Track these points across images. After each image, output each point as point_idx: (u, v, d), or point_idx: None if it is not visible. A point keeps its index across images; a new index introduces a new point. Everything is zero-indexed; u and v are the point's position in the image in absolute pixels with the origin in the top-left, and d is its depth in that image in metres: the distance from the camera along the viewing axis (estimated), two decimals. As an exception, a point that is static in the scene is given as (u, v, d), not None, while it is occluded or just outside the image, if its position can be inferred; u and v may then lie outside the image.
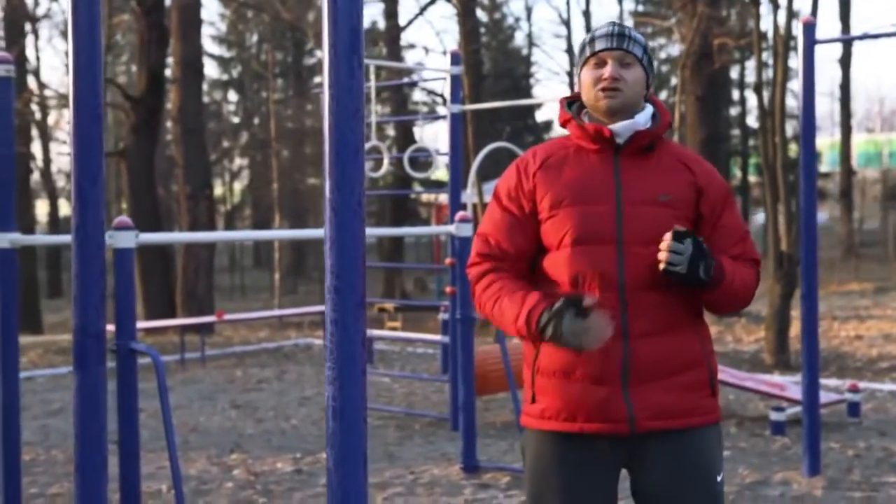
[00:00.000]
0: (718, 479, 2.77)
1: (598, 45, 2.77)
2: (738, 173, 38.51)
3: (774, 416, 7.73)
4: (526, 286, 2.75)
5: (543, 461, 2.79)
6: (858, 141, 40.89)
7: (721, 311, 2.83)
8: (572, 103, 2.89)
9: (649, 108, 2.82)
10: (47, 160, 32.11)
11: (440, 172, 20.23)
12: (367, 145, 8.19)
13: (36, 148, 27.85)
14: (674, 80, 28.07)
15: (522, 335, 2.70)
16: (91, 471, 3.38)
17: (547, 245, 2.77)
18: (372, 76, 8.45)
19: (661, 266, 2.64)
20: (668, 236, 2.64)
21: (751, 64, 30.60)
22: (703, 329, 2.81)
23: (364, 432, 2.03)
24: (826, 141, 41.11)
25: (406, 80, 18.48)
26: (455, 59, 8.08)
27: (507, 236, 2.80)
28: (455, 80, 8.03)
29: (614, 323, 2.61)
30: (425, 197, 30.43)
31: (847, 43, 31.52)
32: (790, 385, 8.66)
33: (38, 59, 34.10)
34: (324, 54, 1.95)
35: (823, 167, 40.54)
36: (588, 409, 2.70)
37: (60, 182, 34.83)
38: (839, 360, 12.00)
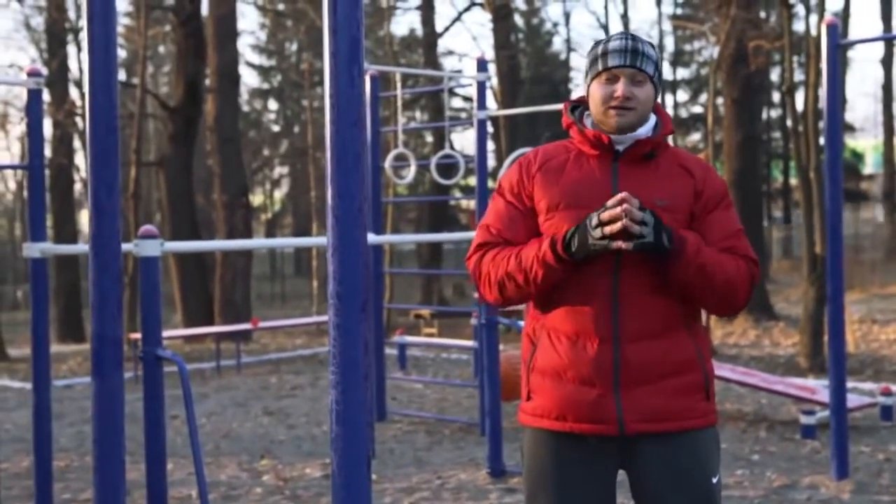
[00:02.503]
0: (714, 480, 2.78)
1: (612, 62, 2.76)
2: (779, 176, 38.21)
3: (804, 419, 7.68)
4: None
5: (538, 458, 2.83)
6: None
7: (703, 296, 2.75)
8: (577, 107, 2.92)
9: (652, 119, 2.84)
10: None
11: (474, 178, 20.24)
12: (395, 152, 8.25)
13: (79, 159, 28.19)
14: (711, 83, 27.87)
15: (548, 264, 2.68)
16: (109, 477, 3.44)
17: None
18: (398, 84, 8.50)
19: (629, 245, 2.60)
20: (634, 204, 2.61)
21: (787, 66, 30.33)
22: (698, 333, 2.82)
23: (367, 436, 2.07)
24: (870, 142, 40.66)
25: (440, 86, 18.49)
26: (482, 66, 8.11)
27: (508, 226, 2.83)
28: (482, 86, 8.05)
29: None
30: (465, 203, 30.47)
31: (889, 43, 31.14)
32: (821, 389, 8.60)
33: (80, 70, 34.48)
34: (324, 64, 1.99)
35: (867, 169, 40.10)
36: (578, 409, 2.73)
37: (102, 192, 35.12)
38: (877, 364, 11.88)
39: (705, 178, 2.81)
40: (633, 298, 2.69)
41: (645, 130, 2.80)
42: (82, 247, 5.20)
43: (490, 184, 8.66)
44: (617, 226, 2.58)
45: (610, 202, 2.62)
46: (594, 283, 2.70)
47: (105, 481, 3.38)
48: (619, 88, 2.74)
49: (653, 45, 2.83)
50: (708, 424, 2.79)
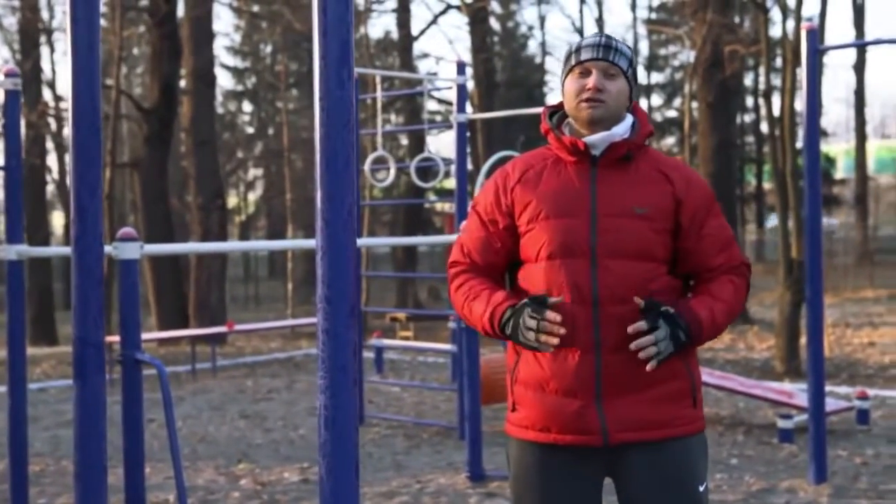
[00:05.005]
0: (701, 488, 2.76)
1: (584, 55, 2.77)
2: (752, 180, 38.42)
3: (782, 423, 7.71)
4: (494, 287, 2.82)
5: (524, 468, 2.82)
6: (873, 147, 40.72)
7: (717, 336, 2.84)
8: (555, 113, 2.90)
9: (629, 119, 2.82)
10: (62, 172, 32.23)
11: (452, 181, 20.29)
12: (375, 155, 8.23)
13: (51, 160, 27.98)
14: (686, 88, 28.04)
15: (488, 332, 2.77)
16: (91, 481, 3.39)
17: (525, 258, 2.79)
18: (378, 87, 8.48)
19: (654, 364, 2.64)
20: (642, 328, 2.63)
21: (764, 71, 30.58)
22: None
23: (356, 441, 2.05)
24: (841, 147, 40.97)
25: (418, 89, 18.49)
26: (461, 69, 8.10)
27: (479, 250, 2.87)
28: (461, 89, 8.04)
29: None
30: (440, 206, 30.46)
31: (861, 49, 31.41)
32: (798, 393, 8.64)
33: (53, 71, 34.23)
34: (314, 66, 1.98)
35: (839, 173, 40.39)
36: (561, 421, 2.72)
37: (76, 194, 34.94)
38: (851, 368, 11.96)
39: (687, 186, 2.77)
40: (614, 306, 2.67)
41: (621, 130, 2.77)
42: (63, 249, 5.14)
43: (468, 187, 8.65)
44: (553, 341, 2.62)
45: (550, 304, 2.64)
46: (573, 292, 2.67)
47: (87, 487, 3.34)
48: (591, 80, 2.74)
49: (627, 45, 2.83)
50: (695, 431, 2.77)
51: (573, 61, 2.79)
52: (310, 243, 5.44)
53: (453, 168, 8.77)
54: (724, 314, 2.74)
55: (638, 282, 2.68)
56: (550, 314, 2.62)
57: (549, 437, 2.74)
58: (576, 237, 2.69)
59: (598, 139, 2.75)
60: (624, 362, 2.67)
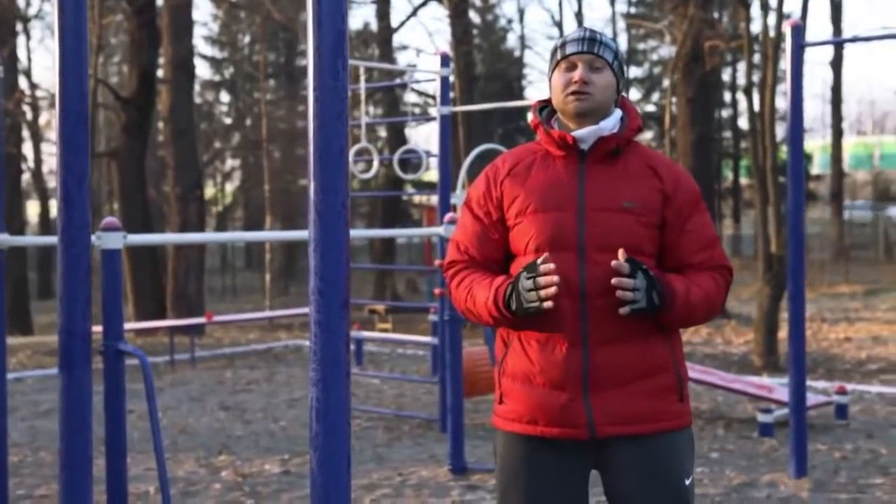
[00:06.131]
0: (687, 482, 2.77)
1: (569, 49, 2.80)
2: (729, 175, 38.59)
3: (762, 417, 7.74)
4: (494, 275, 2.82)
5: (510, 461, 2.81)
6: (849, 143, 40.98)
7: (684, 326, 2.83)
8: (545, 108, 2.91)
9: (617, 113, 2.83)
10: (38, 161, 32.06)
11: (431, 174, 20.30)
12: (358, 147, 8.20)
13: (27, 149, 27.77)
14: (666, 82, 28.10)
15: (495, 317, 2.75)
16: (77, 472, 3.37)
17: (514, 251, 2.80)
18: (362, 78, 8.46)
19: (626, 309, 2.64)
20: (623, 270, 2.63)
21: (742, 66, 30.68)
22: (672, 335, 2.81)
23: (348, 434, 2.03)
24: (817, 143, 41.19)
25: (397, 81, 18.46)
26: (445, 61, 8.09)
27: (475, 244, 2.86)
28: (444, 81, 8.03)
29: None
30: (417, 198, 30.45)
31: (838, 46, 31.57)
32: (778, 387, 8.69)
33: (29, 59, 34.01)
34: (308, 56, 1.96)
35: (815, 169, 40.62)
36: (548, 413, 2.72)
37: (51, 183, 34.75)
38: (828, 362, 12.03)
39: (676, 183, 2.79)
40: (602, 300, 2.67)
41: (609, 125, 2.78)
42: (52, 238, 5.09)
43: (451, 179, 8.64)
44: (551, 290, 2.61)
45: (541, 263, 2.63)
46: (560, 286, 2.66)
47: (72, 478, 3.32)
48: (577, 73, 2.76)
49: (613, 39, 2.85)
50: (681, 426, 2.78)
51: (559, 56, 2.82)
52: (301, 234, 5.41)
53: (434, 160, 8.77)
54: (699, 298, 2.74)
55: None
56: (543, 266, 2.63)
57: (536, 430, 2.74)
58: (563, 231, 2.70)
59: (586, 133, 2.76)
60: (611, 356, 2.68)
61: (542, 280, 2.61)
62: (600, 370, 2.68)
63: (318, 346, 2.00)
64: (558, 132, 2.77)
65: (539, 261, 2.64)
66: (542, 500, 2.77)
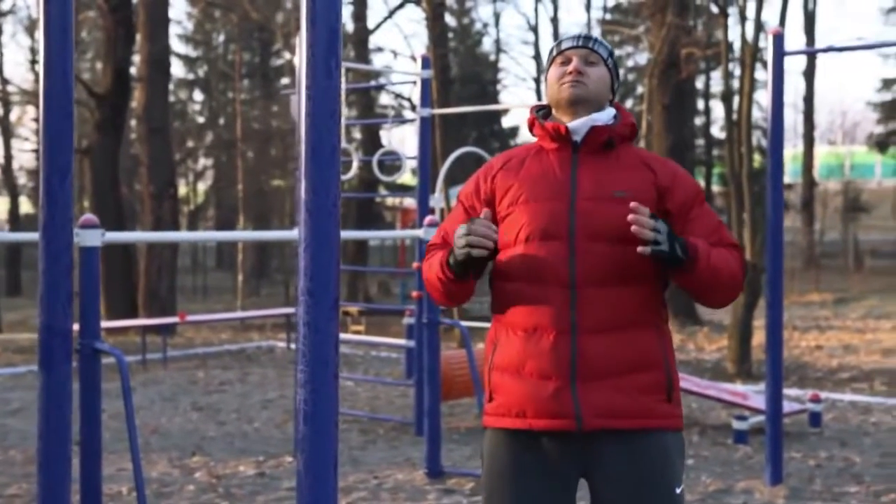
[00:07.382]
0: (677, 490, 2.72)
1: (565, 45, 2.88)
2: (701, 182, 38.79)
3: (737, 425, 7.76)
4: None
5: (498, 461, 2.79)
6: (820, 153, 41.29)
7: (711, 295, 2.76)
8: (541, 110, 2.94)
9: (611, 110, 2.86)
10: (8, 157, 31.78)
11: (406, 176, 20.25)
12: (336, 148, 8.16)
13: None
14: (640, 89, 28.19)
15: (441, 279, 2.79)
16: (55, 471, 3.33)
17: (505, 242, 2.78)
18: (343, 78, 8.43)
19: (647, 249, 2.59)
20: (644, 213, 2.60)
21: (716, 74, 30.88)
22: (663, 332, 2.78)
23: (335, 436, 2.01)
24: (789, 152, 41.46)
25: (374, 83, 18.43)
26: (425, 63, 8.07)
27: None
28: (425, 83, 8.01)
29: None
30: (389, 201, 30.39)
31: (811, 55, 31.80)
32: (752, 394, 8.71)
33: (0, 54, 33.69)
34: (301, 55, 1.93)
35: (786, 178, 40.85)
36: (537, 404, 2.69)
37: (21, 179, 34.48)
38: (800, 370, 12.09)
39: (673, 177, 2.80)
40: (591, 289, 2.66)
41: (603, 118, 2.81)
42: (22, 235, 5.02)
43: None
44: (488, 243, 2.64)
45: (483, 213, 2.70)
46: (550, 274, 2.67)
47: (51, 477, 3.27)
48: (572, 64, 2.82)
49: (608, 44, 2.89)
50: (671, 427, 2.73)
51: (555, 52, 2.89)
52: (280, 234, 5.38)
53: (412, 163, 8.74)
54: (720, 260, 2.71)
55: (616, 265, 2.68)
56: (481, 220, 2.66)
57: (525, 423, 2.71)
58: (555, 220, 2.70)
59: (579, 124, 2.78)
60: (599, 346, 2.66)
61: (474, 227, 2.64)
62: (589, 359, 2.65)
63: (308, 347, 1.97)
64: (552, 123, 2.80)
65: (482, 215, 2.69)
66: (527, 498, 2.72)
